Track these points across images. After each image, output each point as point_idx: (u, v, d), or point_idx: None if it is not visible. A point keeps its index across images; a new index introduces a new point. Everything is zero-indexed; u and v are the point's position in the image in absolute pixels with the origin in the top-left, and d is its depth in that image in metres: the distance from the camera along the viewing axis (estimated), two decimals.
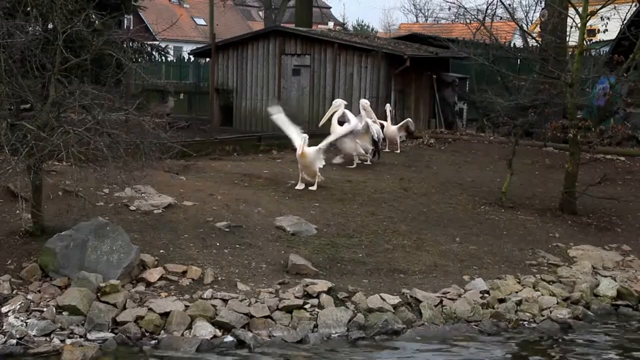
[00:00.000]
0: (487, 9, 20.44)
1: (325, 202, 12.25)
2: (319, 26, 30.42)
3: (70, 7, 9.58)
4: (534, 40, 21.05)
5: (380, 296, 9.16)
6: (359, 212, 11.96)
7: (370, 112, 15.71)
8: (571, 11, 14.31)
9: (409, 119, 18.07)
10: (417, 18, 60.28)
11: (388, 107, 17.43)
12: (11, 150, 8.64)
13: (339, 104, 14.72)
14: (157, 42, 22.57)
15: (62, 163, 10.52)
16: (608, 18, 13.41)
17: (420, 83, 21.79)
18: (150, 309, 8.41)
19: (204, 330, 8.26)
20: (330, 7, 57.59)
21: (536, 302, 9.63)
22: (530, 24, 36.66)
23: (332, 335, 8.55)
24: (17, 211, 9.72)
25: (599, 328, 9.40)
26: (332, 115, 14.63)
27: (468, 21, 21.14)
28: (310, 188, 12.64)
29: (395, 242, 10.97)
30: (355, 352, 8.28)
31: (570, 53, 15.29)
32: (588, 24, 13.17)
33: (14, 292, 8.58)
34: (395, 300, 9.12)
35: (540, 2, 28.60)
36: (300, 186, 12.76)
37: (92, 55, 9.84)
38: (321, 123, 15.02)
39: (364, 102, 15.74)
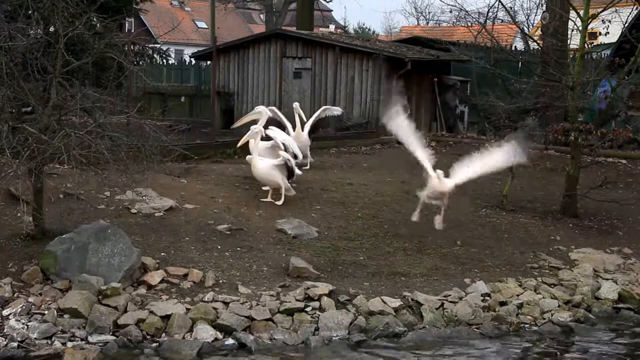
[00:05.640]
0: (488, 11, 20.51)
1: (326, 205, 12.25)
2: (320, 29, 30.39)
3: (72, 10, 9.58)
4: (535, 43, 21.04)
5: (381, 299, 9.16)
6: (360, 215, 11.96)
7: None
8: (572, 14, 14.32)
9: None
10: (418, 21, 60.18)
11: None
12: (12, 153, 8.64)
13: (259, 111, 13.59)
14: (158, 45, 22.58)
15: (64, 166, 10.58)
16: (609, 21, 13.41)
17: (422, 86, 21.78)
18: (151, 312, 8.42)
19: (205, 333, 8.27)
20: (332, 10, 57.59)
21: (537, 305, 9.64)
22: (531, 27, 36.60)
23: (333, 338, 8.55)
24: (19, 214, 9.72)
25: (600, 331, 9.40)
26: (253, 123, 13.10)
27: (469, 24, 21.17)
28: (276, 203, 11.87)
29: (397, 245, 10.97)
30: (356, 355, 8.27)
31: (571, 56, 15.29)
32: (589, 27, 13.17)
33: (15, 295, 8.58)
34: (397, 303, 9.12)
35: (542, 5, 28.60)
36: (267, 199, 11.97)
37: (94, 58, 9.84)
38: (235, 125, 14.43)
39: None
